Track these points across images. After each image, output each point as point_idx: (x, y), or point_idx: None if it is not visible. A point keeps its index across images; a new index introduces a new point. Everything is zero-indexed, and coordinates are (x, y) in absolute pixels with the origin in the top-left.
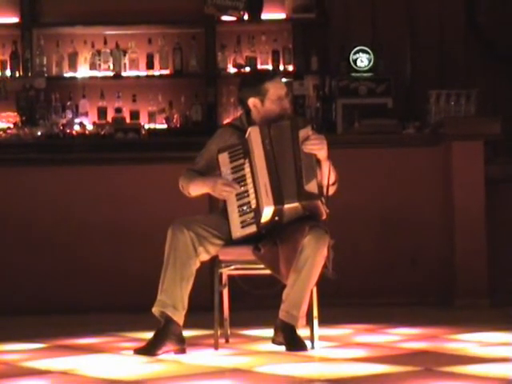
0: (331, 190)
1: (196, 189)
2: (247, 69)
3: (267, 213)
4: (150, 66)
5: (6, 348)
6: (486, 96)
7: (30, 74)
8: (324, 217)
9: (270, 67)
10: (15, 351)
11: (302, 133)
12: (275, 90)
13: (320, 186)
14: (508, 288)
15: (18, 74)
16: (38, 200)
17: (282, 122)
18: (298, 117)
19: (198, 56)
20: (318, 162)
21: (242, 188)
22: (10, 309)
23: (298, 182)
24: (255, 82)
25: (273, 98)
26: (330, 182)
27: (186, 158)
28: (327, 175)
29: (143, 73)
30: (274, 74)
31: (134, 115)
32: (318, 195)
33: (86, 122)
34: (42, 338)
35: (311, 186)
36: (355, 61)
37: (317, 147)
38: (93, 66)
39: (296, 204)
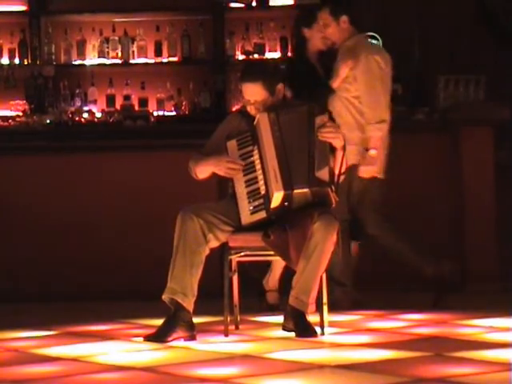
0: (341, 179)
1: (202, 169)
2: (255, 56)
3: (277, 198)
4: (158, 53)
5: (18, 335)
6: (495, 81)
7: (38, 62)
8: (333, 205)
9: (277, 54)
10: (26, 338)
11: (318, 120)
12: (244, 93)
13: (331, 174)
14: None
15: (26, 62)
16: (47, 187)
17: (299, 107)
18: (314, 104)
19: (206, 43)
20: (333, 150)
21: (251, 175)
22: (21, 296)
23: (309, 168)
24: (240, 75)
25: (245, 98)
26: (341, 172)
27: (195, 145)
28: (340, 164)
29: (151, 60)
30: (251, 75)
31: (143, 102)
32: (328, 183)
33: (95, 110)
34: (52, 325)
35: (322, 173)
36: None
37: (331, 135)
38: (101, 54)
39: (306, 190)
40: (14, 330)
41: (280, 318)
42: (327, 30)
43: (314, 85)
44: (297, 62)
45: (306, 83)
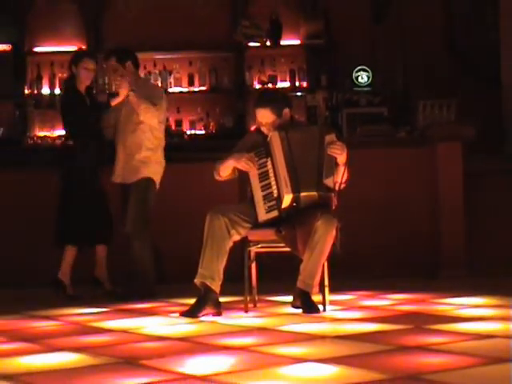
0: (342, 186)
1: (224, 165)
2: (269, 85)
3: (286, 200)
4: (190, 83)
5: (78, 311)
6: (463, 105)
7: (94, 91)
8: (333, 207)
9: (287, 84)
10: (85, 314)
11: (328, 138)
12: (259, 117)
13: (335, 183)
14: (483, 261)
15: None
16: None
17: (310, 127)
18: (324, 125)
19: (229, 75)
20: (336, 164)
21: (266, 181)
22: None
23: (318, 175)
24: (254, 102)
25: (258, 120)
26: (342, 181)
27: (221, 157)
28: (341, 176)
29: (185, 89)
30: (262, 102)
31: (178, 123)
32: (332, 189)
33: None
34: (105, 302)
35: (329, 181)
36: (357, 78)
37: (338, 151)
38: None
39: (314, 193)
40: (75, 307)
41: (290, 298)
42: (116, 74)
43: (83, 112)
44: (67, 93)
45: (76, 110)
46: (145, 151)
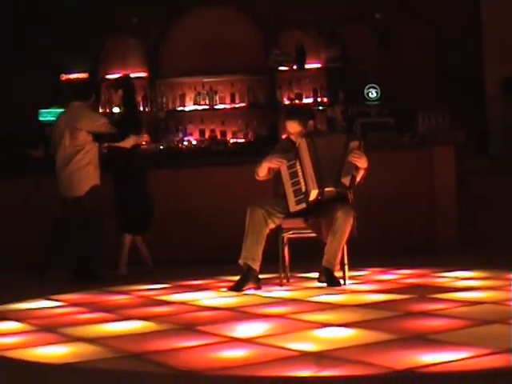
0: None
1: (262, 167)
2: (296, 101)
3: (313, 194)
4: (232, 100)
5: (145, 287)
6: (455, 114)
7: (154, 109)
8: (351, 201)
9: (311, 100)
10: (150, 289)
11: (352, 144)
12: (289, 128)
13: (352, 182)
14: (472, 242)
15: (147, 109)
16: (162, 191)
17: (338, 134)
18: (351, 134)
19: (264, 93)
20: (357, 168)
21: (295, 179)
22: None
23: (338, 175)
24: (284, 115)
25: (288, 130)
26: (360, 181)
27: (258, 161)
28: (360, 177)
29: (228, 106)
30: (291, 115)
31: (223, 133)
32: (347, 187)
33: (192, 139)
34: (167, 280)
35: (346, 180)
36: (368, 94)
37: (357, 160)
38: (195, 102)
39: (333, 189)
40: (142, 283)
41: (316, 274)
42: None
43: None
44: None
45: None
46: None
